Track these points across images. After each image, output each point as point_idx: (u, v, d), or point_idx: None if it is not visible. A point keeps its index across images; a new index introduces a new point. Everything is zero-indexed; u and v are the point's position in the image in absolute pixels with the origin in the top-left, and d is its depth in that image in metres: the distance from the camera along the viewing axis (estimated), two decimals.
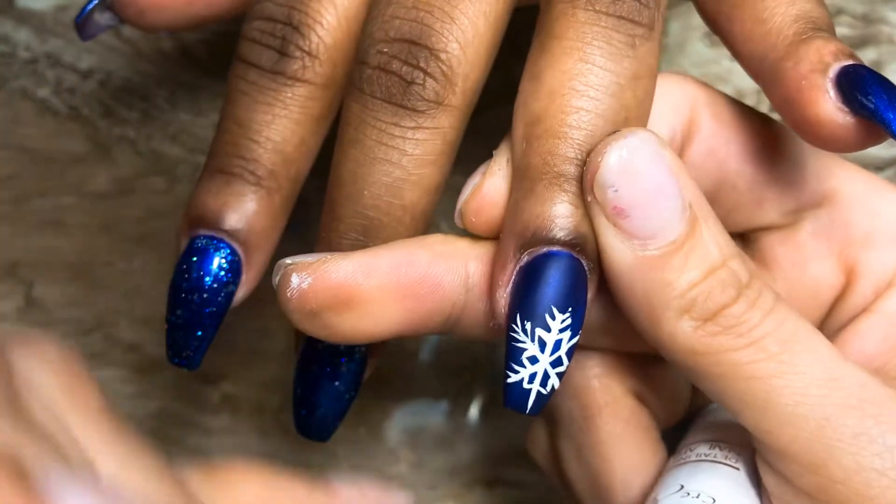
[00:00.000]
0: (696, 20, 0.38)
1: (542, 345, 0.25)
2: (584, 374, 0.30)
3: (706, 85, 0.29)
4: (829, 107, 0.25)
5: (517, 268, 0.25)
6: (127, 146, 0.39)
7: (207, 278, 0.29)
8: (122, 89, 0.39)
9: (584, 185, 0.25)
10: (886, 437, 0.24)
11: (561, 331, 0.25)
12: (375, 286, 0.25)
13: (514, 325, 0.25)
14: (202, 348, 0.29)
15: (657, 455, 0.30)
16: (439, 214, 0.30)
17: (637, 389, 0.31)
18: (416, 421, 0.40)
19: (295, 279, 0.25)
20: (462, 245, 0.26)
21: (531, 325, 0.25)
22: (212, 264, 0.29)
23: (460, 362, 0.40)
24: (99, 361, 0.39)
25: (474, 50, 0.27)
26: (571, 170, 0.25)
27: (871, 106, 0.25)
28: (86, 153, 0.39)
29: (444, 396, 0.40)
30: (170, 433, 0.39)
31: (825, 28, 0.26)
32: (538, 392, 0.25)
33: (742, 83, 0.31)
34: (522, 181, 0.26)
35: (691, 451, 0.29)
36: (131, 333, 0.39)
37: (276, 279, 0.26)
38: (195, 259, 0.29)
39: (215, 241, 0.29)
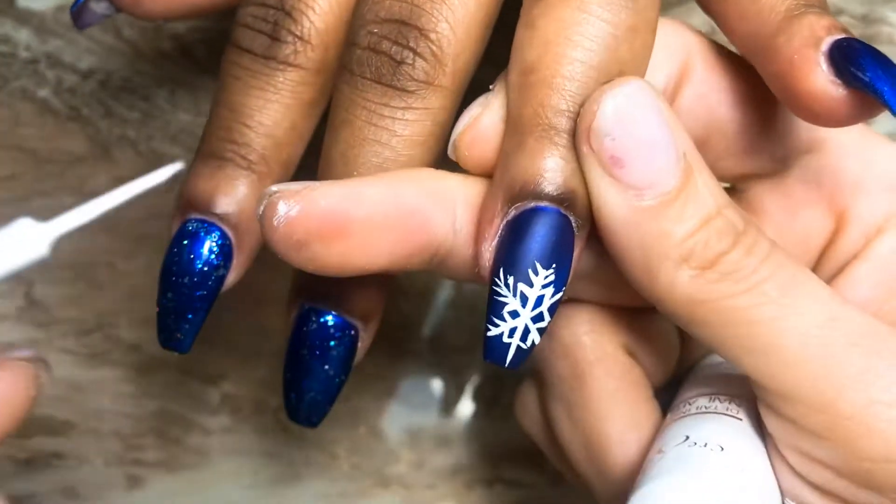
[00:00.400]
0: (696, 20, 0.38)
1: (524, 300, 0.24)
2: (573, 332, 0.30)
3: (700, 32, 0.29)
4: (821, 80, 0.25)
5: (504, 222, 0.25)
6: (127, 146, 0.39)
7: (198, 262, 0.28)
8: (123, 89, 0.39)
9: (578, 137, 0.24)
10: (892, 371, 0.24)
11: (544, 286, 0.24)
12: (364, 216, 0.25)
13: (496, 279, 0.24)
14: (192, 332, 0.29)
15: (652, 412, 0.30)
16: None
17: (628, 345, 0.30)
18: (416, 421, 0.40)
19: (282, 207, 0.24)
20: (452, 184, 0.26)
21: (514, 279, 0.24)
22: (202, 248, 0.28)
23: (460, 361, 0.40)
24: (99, 361, 0.39)
25: (465, 30, 0.27)
26: (563, 122, 0.25)
27: (865, 78, 0.24)
28: (86, 153, 0.39)
29: (444, 396, 0.40)
30: (170, 433, 0.39)
31: (817, 4, 0.26)
32: (518, 346, 0.25)
33: None
34: (514, 133, 0.25)
35: (690, 404, 0.28)
36: (131, 333, 0.39)
37: (260, 209, 0.25)
38: (186, 242, 0.29)
39: (206, 225, 0.28)
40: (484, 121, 0.26)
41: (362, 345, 0.30)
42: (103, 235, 0.39)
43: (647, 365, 0.31)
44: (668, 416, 0.29)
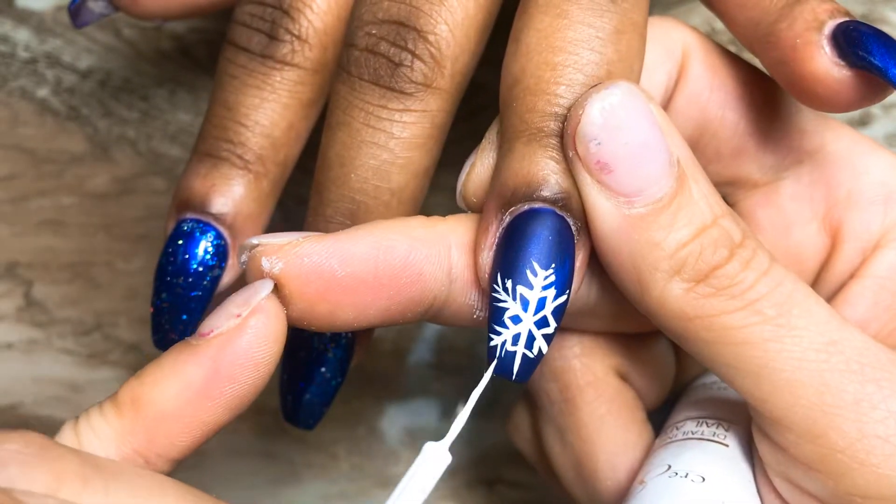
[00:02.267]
0: (696, 20, 0.37)
1: (525, 303, 0.23)
2: (563, 355, 0.29)
3: (697, 30, 0.29)
4: (824, 61, 0.25)
5: (500, 229, 0.24)
6: (127, 146, 0.39)
7: (193, 262, 0.28)
8: (122, 89, 0.39)
9: (565, 141, 0.24)
10: (889, 401, 0.23)
11: (544, 288, 0.23)
12: (351, 274, 0.24)
13: (495, 286, 0.24)
14: (187, 333, 0.29)
15: (644, 435, 0.29)
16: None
17: (620, 368, 0.30)
18: (416, 421, 0.39)
19: (265, 263, 0.24)
20: (444, 229, 0.25)
21: (512, 282, 0.23)
22: (198, 248, 0.28)
23: (460, 362, 0.40)
24: (99, 361, 0.39)
25: (464, 32, 0.26)
26: (551, 125, 0.24)
27: (868, 57, 0.24)
28: (86, 153, 0.39)
29: (444, 396, 0.39)
30: None
31: None
32: (524, 355, 0.23)
33: None
34: (504, 144, 0.25)
35: (678, 429, 0.28)
36: (131, 333, 0.39)
37: (241, 260, 0.24)
38: (181, 242, 0.28)
39: (201, 225, 0.28)
40: (480, 164, 0.26)
41: (359, 348, 0.30)
42: (103, 235, 0.39)
43: (640, 387, 0.30)
44: (657, 440, 0.28)
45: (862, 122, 0.38)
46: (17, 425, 0.38)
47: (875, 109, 0.38)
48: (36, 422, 0.39)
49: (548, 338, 0.24)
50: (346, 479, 0.39)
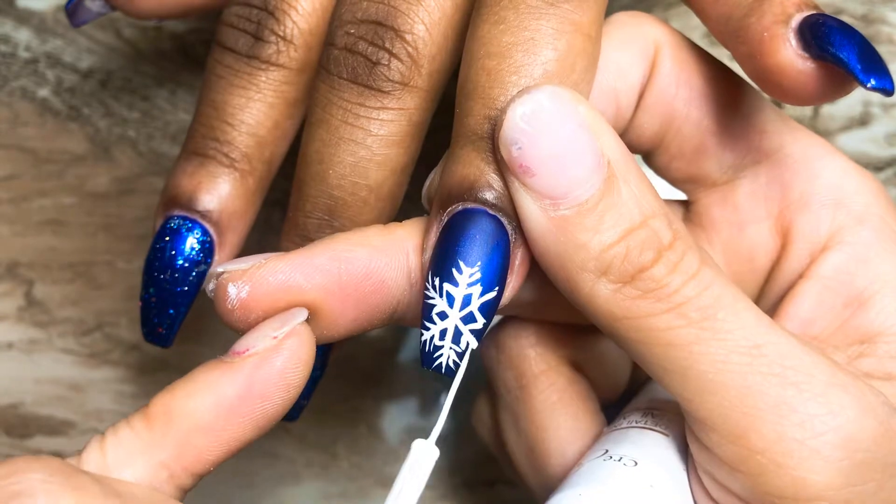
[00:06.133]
0: (696, 20, 0.37)
1: (451, 299, 0.24)
2: (519, 344, 0.30)
3: (668, 25, 0.29)
4: (789, 54, 0.25)
5: (439, 229, 0.25)
6: (127, 146, 0.39)
7: (179, 258, 0.29)
8: (123, 89, 0.39)
9: (493, 144, 0.24)
10: (808, 405, 0.23)
11: (469, 285, 0.24)
12: (317, 286, 0.25)
13: (427, 284, 0.24)
14: (174, 326, 0.30)
15: (594, 425, 0.30)
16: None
17: (574, 359, 0.31)
18: (415, 420, 0.39)
19: (232, 290, 0.25)
20: (401, 234, 0.26)
21: (439, 279, 0.24)
22: (184, 244, 0.29)
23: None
24: (99, 361, 0.39)
25: (441, 31, 0.27)
26: (486, 127, 0.24)
27: (831, 49, 0.25)
28: (86, 153, 0.39)
29: (444, 395, 0.39)
30: None
31: None
32: (451, 349, 0.24)
33: None
34: (449, 148, 0.26)
35: (624, 419, 0.29)
36: (131, 333, 0.39)
37: (209, 288, 0.25)
38: (168, 239, 0.29)
39: (188, 222, 0.29)
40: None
41: (338, 342, 0.30)
42: (103, 235, 0.39)
43: (594, 378, 0.31)
44: (605, 428, 0.29)
45: (862, 122, 0.38)
46: (18, 425, 0.38)
47: (875, 109, 0.38)
48: (36, 421, 0.39)
49: (476, 333, 0.24)
50: (346, 478, 0.39)
